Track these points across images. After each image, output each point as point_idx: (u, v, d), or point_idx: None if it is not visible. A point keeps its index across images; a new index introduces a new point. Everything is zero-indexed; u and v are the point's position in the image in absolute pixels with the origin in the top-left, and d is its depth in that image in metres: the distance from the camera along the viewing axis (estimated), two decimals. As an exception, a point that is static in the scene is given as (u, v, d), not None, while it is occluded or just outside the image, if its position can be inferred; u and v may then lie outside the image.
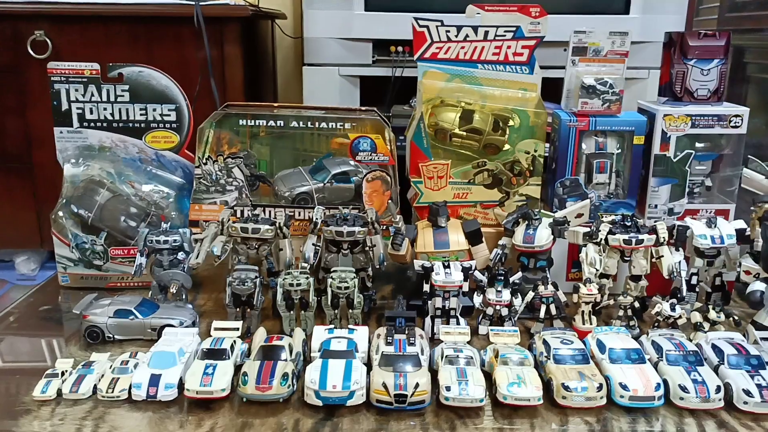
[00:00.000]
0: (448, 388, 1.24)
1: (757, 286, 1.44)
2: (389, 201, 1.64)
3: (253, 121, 1.77)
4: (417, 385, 1.23)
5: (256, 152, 1.88)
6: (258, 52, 3.25)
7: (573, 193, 1.73)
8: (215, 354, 1.30)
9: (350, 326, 1.44)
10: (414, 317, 1.45)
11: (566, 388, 1.24)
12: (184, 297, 1.61)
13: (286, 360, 1.30)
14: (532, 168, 1.76)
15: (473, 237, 1.67)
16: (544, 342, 1.38)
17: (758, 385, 1.24)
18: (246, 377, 1.24)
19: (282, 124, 1.75)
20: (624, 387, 1.25)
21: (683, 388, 1.24)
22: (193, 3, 2.65)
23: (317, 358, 1.31)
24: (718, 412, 1.25)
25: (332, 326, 1.44)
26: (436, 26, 1.78)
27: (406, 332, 1.36)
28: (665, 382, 1.27)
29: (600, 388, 1.25)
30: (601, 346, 1.36)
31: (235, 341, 1.36)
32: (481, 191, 1.79)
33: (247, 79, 2.96)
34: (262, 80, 3.40)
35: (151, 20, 2.74)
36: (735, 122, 1.65)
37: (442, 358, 1.32)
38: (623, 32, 1.68)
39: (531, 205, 1.77)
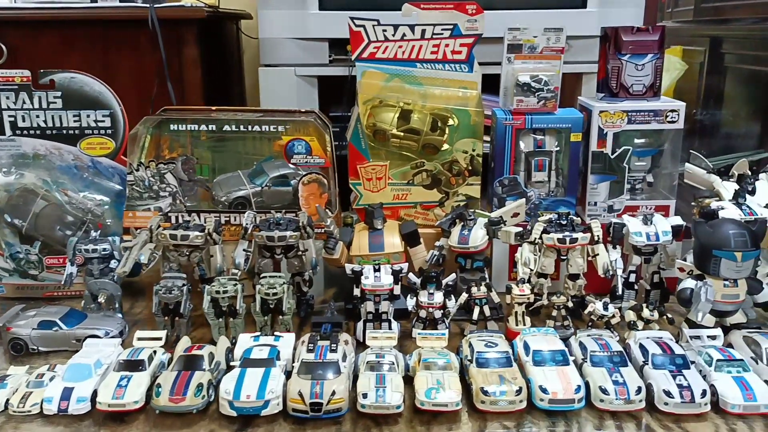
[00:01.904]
0: (365, 395, 1.22)
1: (688, 283, 1.43)
2: (317, 206, 1.61)
3: (191, 125, 1.75)
4: (333, 393, 1.22)
5: (198, 156, 1.86)
6: (223, 53, 3.22)
7: (512, 192, 1.71)
8: (131, 365, 1.28)
9: (276, 333, 1.43)
10: (341, 323, 1.44)
11: (485, 392, 1.23)
12: (117, 306, 1.60)
13: (204, 370, 1.28)
14: (470, 167, 1.74)
15: (410, 239, 1.65)
16: (470, 345, 1.36)
17: (679, 386, 1.23)
18: (160, 389, 1.22)
19: (214, 128, 1.73)
20: (544, 390, 1.23)
21: (603, 390, 1.23)
22: (148, 6, 2.62)
23: (236, 367, 1.30)
24: (640, 413, 1.24)
25: (258, 334, 1.42)
26: (373, 26, 1.76)
27: (330, 338, 1.35)
28: (588, 383, 1.26)
29: (519, 391, 1.23)
30: (527, 348, 1.34)
31: (155, 351, 1.34)
32: (421, 192, 1.77)
33: (207, 82, 2.93)
34: (228, 82, 3.38)
35: (107, 24, 2.72)
36: (671, 117, 1.63)
37: (363, 364, 1.31)
38: (558, 28, 1.66)
39: (471, 205, 1.75)
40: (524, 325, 1.50)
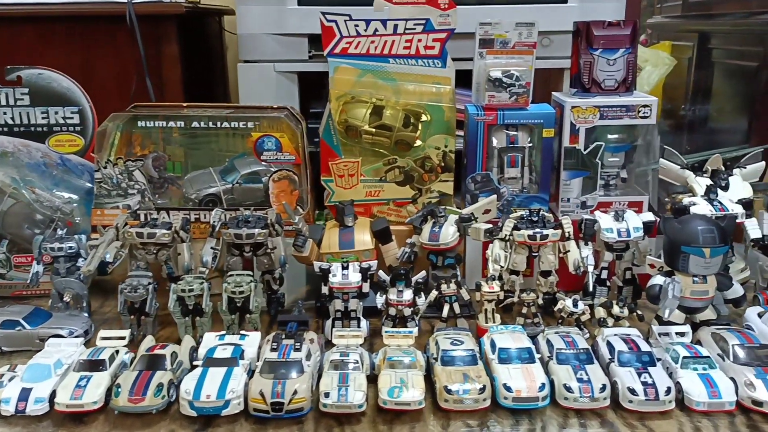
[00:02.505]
0: (326, 395, 1.21)
1: (657, 280, 1.41)
2: (284, 203, 1.60)
3: (160, 122, 1.73)
4: (295, 392, 1.20)
5: (170, 153, 1.84)
6: (205, 49, 3.20)
7: (485, 188, 1.70)
8: (92, 365, 1.26)
9: (242, 332, 1.41)
10: (307, 321, 1.43)
11: (448, 390, 1.21)
12: (84, 305, 1.58)
13: (165, 370, 1.27)
14: (443, 164, 1.73)
15: (382, 236, 1.64)
16: (436, 343, 1.35)
17: (644, 383, 1.22)
18: (119, 389, 1.21)
19: (184, 125, 1.71)
20: (507, 388, 1.22)
21: (568, 388, 1.22)
22: (126, 2, 2.60)
23: (199, 366, 1.28)
24: (604, 411, 1.23)
25: (224, 333, 1.41)
26: (345, 21, 1.75)
27: (295, 337, 1.33)
28: (553, 381, 1.25)
29: (483, 390, 1.22)
30: (493, 345, 1.33)
31: (117, 351, 1.32)
32: (394, 189, 1.75)
33: (188, 79, 2.91)
34: (211, 79, 3.35)
35: (85, 20, 2.69)
36: (644, 112, 1.62)
37: (327, 363, 1.29)
38: (530, 23, 1.64)
39: (444, 201, 1.74)
40: (494, 322, 1.49)
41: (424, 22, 1.73)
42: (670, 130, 3.55)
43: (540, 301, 1.52)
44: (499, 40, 1.66)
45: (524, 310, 1.52)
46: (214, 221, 1.55)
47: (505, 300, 1.53)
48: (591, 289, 1.55)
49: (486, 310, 1.50)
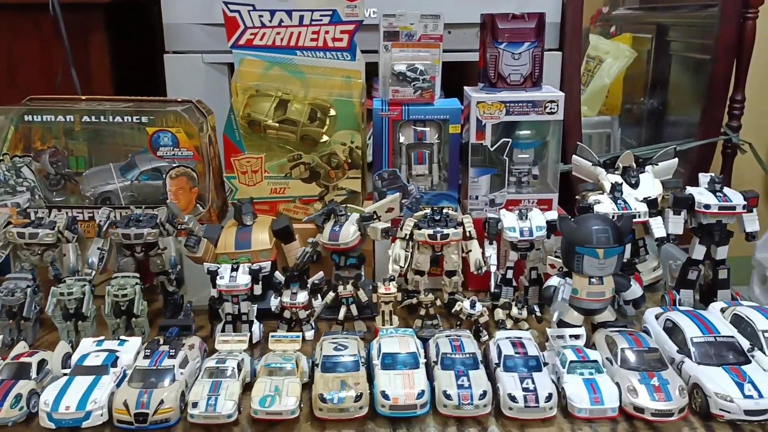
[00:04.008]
0: (195, 404, 1.16)
1: (552, 281, 1.37)
2: (167, 201, 1.54)
3: (48, 116, 1.66)
4: (162, 402, 1.15)
5: (73, 148, 1.77)
6: (139, 39, 3.10)
7: (392, 185, 1.65)
8: (-50, 374, 1.20)
9: (122, 337, 1.35)
10: (190, 326, 1.37)
11: (322, 399, 1.17)
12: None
13: (30, 379, 1.20)
14: (350, 160, 1.68)
15: (283, 235, 1.59)
16: (321, 348, 1.30)
17: (525, 389, 1.18)
18: (-26, 400, 1.15)
19: (73, 119, 1.64)
20: (385, 396, 1.17)
21: (447, 395, 1.18)
22: (49, -10, 2.50)
23: (66, 374, 1.22)
24: (486, 418, 1.19)
25: (102, 338, 1.35)
26: (248, 11, 1.68)
27: (171, 343, 1.28)
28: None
29: (359, 398, 1.17)
30: (379, 350, 1.28)
31: (-17, 359, 1.26)
32: (300, 185, 1.70)
33: (118, 70, 2.82)
34: (145, 70, 3.26)
35: (9, 9, 2.59)
36: (551, 108, 1.58)
37: (203, 371, 1.24)
38: (435, 15, 1.59)
39: (350, 199, 1.69)
40: (392, 324, 1.44)
41: (330, 13, 1.67)
42: (629, 122, 3.53)
43: (438, 302, 1.48)
44: (404, 32, 1.61)
45: (422, 312, 1.48)
46: (100, 221, 1.48)
47: (402, 302, 1.48)
48: (493, 289, 1.51)
49: (383, 311, 1.45)
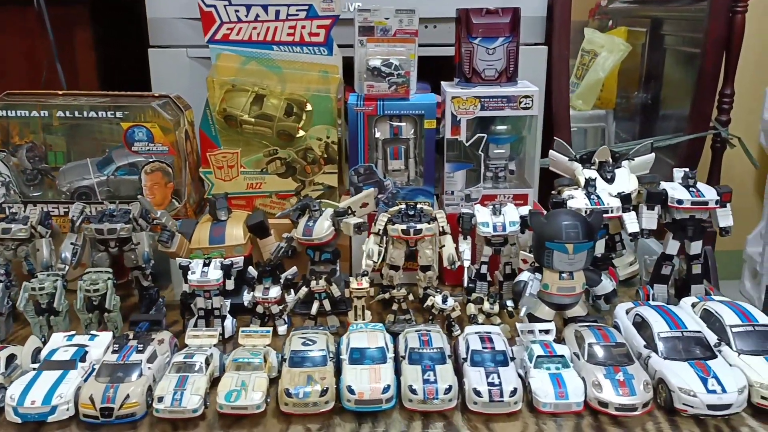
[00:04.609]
0: (160, 399, 1.16)
1: (522, 276, 1.38)
2: (138, 196, 1.53)
3: (24, 111, 1.66)
4: (127, 397, 1.15)
5: (52, 143, 1.77)
6: (126, 34, 3.10)
7: (368, 180, 1.65)
8: None
9: (93, 332, 1.36)
10: (161, 320, 1.37)
11: (288, 393, 1.17)
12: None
13: (-3, 373, 1.21)
14: (326, 155, 1.68)
15: (258, 230, 1.59)
16: (290, 343, 1.30)
17: (490, 384, 1.18)
18: (-60, 395, 1.15)
19: (46, 114, 1.64)
20: (351, 390, 1.18)
21: (412, 390, 1.18)
22: (34, -15, 2.50)
23: (35, 369, 1.22)
24: (452, 413, 1.19)
25: (73, 333, 1.35)
26: (224, 5, 1.68)
27: (139, 338, 1.28)
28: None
29: (324, 392, 1.18)
30: (347, 345, 1.29)
31: (-48, 354, 1.26)
32: (276, 181, 1.70)
33: (104, 65, 2.82)
34: (133, 65, 3.26)
35: (-5, 4, 2.60)
36: (525, 103, 1.57)
37: (171, 366, 1.24)
38: (410, 10, 1.59)
39: (327, 194, 1.69)
40: (364, 319, 1.45)
41: (306, 8, 1.67)
42: (624, 116, 3.53)
43: (413, 297, 1.49)
44: (379, 27, 1.60)
45: (395, 307, 1.48)
46: (73, 216, 1.49)
47: (375, 297, 1.49)
48: (466, 284, 1.52)
49: (356, 306, 1.46)
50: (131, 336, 1.29)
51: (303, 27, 1.69)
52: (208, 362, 1.25)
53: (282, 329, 1.46)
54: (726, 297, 1.45)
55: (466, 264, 1.51)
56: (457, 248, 1.51)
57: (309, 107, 1.68)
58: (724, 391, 1.14)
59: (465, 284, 1.52)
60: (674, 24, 3.32)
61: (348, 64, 1.77)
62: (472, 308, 1.45)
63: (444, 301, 1.43)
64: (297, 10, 1.67)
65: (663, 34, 3.39)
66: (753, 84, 3.35)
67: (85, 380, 1.20)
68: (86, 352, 1.27)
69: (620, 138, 3.43)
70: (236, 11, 1.68)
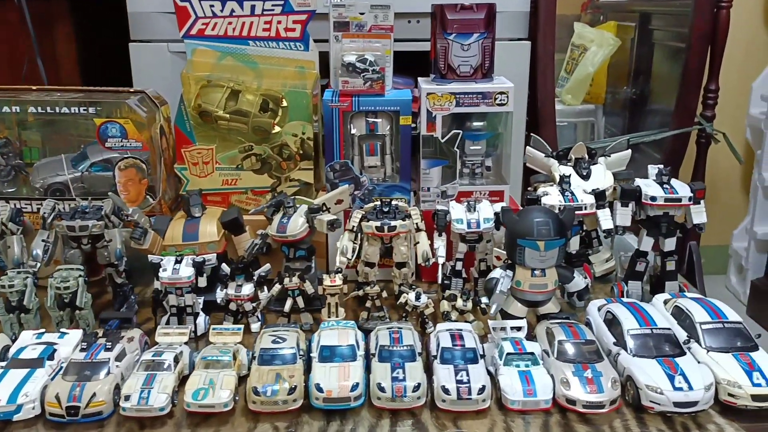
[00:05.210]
0: (127, 398, 1.15)
1: (494, 273, 1.38)
2: (109, 192, 1.52)
3: (2, 107, 1.64)
4: (94, 395, 1.15)
5: (27, 139, 1.76)
6: (109, 28, 3.08)
7: (344, 176, 1.64)
8: None
9: (63, 330, 1.35)
10: (131, 318, 1.37)
11: (255, 392, 1.17)
12: None
13: (-40, 372, 1.20)
14: (302, 151, 1.67)
15: (232, 227, 1.58)
16: (261, 341, 1.30)
17: (459, 382, 1.18)
18: None
19: (18, 110, 1.62)
20: (319, 389, 1.17)
21: (381, 388, 1.18)
22: (12, -21, 2.48)
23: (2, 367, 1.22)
24: (420, 410, 1.19)
25: (43, 331, 1.34)
26: (199, 0, 1.67)
27: (108, 336, 1.27)
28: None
29: (293, 390, 1.17)
30: (318, 343, 1.28)
31: None
32: (251, 177, 1.69)
33: (86, 59, 2.80)
34: (116, 59, 3.24)
35: (-27, -2, 2.57)
36: (500, 100, 1.57)
37: (139, 364, 1.24)
38: (385, 5, 1.58)
39: (303, 191, 1.69)
40: (337, 316, 1.44)
41: (282, 2, 1.66)
42: (613, 111, 3.53)
43: (386, 294, 1.48)
44: (354, 22, 1.59)
45: (368, 304, 1.48)
46: (44, 213, 1.47)
47: (349, 294, 1.48)
48: (440, 281, 1.51)
49: (329, 304, 1.45)
50: (100, 334, 1.29)
51: (279, 22, 1.68)
52: (177, 360, 1.24)
53: (255, 327, 1.46)
54: (698, 293, 1.46)
55: (441, 261, 1.51)
56: (432, 245, 1.50)
57: (285, 103, 1.67)
58: (690, 388, 1.14)
59: (439, 281, 1.51)
60: (662, 19, 3.32)
61: (325, 60, 1.76)
62: (445, 305, 1.45)
63: (417, 298, 1.43)
64: (272, 5, 1.66)
65: (651, 28, 3.39)
66: (739, 79, 3.36)
67: (53, 379, 1.20)
68: (55, 351, 1.26)
69: (609, 133, 3.43)
70: (211, 6, 1.67)
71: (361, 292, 1.49)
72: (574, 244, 1.56)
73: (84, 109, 1.61)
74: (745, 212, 3.46)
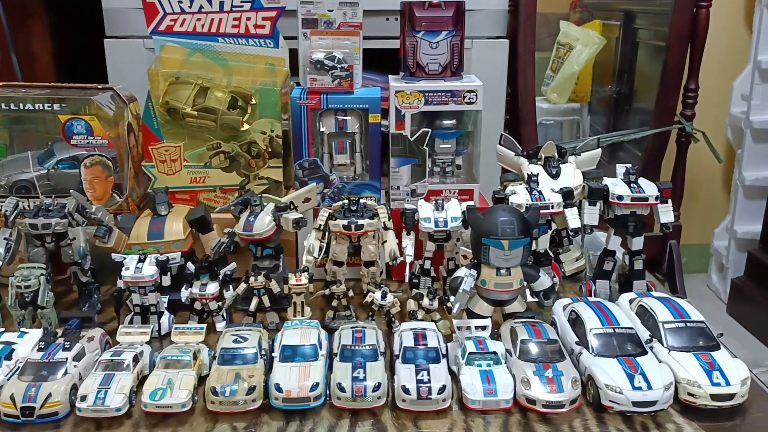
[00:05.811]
0: (83, 398, 1.14)
1: (459, 272, 1.37)
2: (71, 190, 1.50)
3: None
4: (49, 396, 1.14)
5: (-7, 136, 1.74)
6: (86, 24, 3.05)
7: (313, 175, 1.63)
8: None
9: (23, 329, 1.33)
10: (92, 317, 1.35)
11: (214, 392, 1.16)
12: None
13: None
14: (270, 149, 1.66)
15: (199, 225, 1.56)
16: (222, 340, 1.29)
17: (419, 381, 1.17)
18: None
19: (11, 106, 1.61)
20: (278, 389, 1.16)
21: (341, 388, 1.17)
22: (-16, -28, 2.45)
23: (-42, 368, 1.20)
24: (382, 410, 1.18)
25: (2, 330, 1.32)
26: (167, -4, 1.65)
27: (66, 335, 1.26)
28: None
29: (251, 390, 1.16)
30: (280, 342, 1.27)
31: None
32: (220, 175, 1.68)
33: (61, 55, 2.78)
34: (94, 56, 3.22)
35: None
36: (469, 98, 1.56)
37: (97, 363, 1.22)
38: (354, 2, 1.57)
39: (272, 189, 1.67)
40: (303, 315, 1.44)
41: (251, -1, 1.65)
42: (599, 109, 3.53)
43: (352, 293, 1.47)
44: (323, 19, 1.58)
45: (335, 303, 1.47)
46: (6, 211, 1.46)
47: (315, 293, 1.47)
48: (407, 279, 1.51)
49: (295, 303, 1.44)
50: (59, 333, 1.27)
51: (248, 18, 1.66)
52: (136, 360, 1.23)
53: (220, 326, 1.45)
54: (665, 292, 1.46)
55: (408, 260, 1.50)
56: (399, 244, 1.50)
57: (254, 100, 1.66)
58: (649, 387, 1.14)
59: (407, 280, 1.51)
60: (645, 18, 3.33)
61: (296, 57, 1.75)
62: (411, 304, 1.45)
63: (383, 297, 1.42)
64: (242, 2, 1.65)
65: (636, 27, 3.40)
66: (720, 79, 3.37)
67: (9, 379, 1.18)
68: (13, 350, 1.25)
69: (594, 131, 3.43)
70: (179, 2, 1.65)
71: (327, 291, 1.48)
72: (544, 243, 1.55)
73: (49, 106, 1.59)
74: (727, 211, 3.47)
